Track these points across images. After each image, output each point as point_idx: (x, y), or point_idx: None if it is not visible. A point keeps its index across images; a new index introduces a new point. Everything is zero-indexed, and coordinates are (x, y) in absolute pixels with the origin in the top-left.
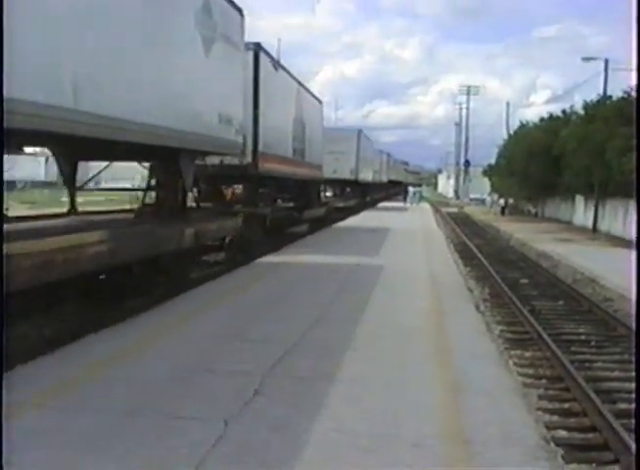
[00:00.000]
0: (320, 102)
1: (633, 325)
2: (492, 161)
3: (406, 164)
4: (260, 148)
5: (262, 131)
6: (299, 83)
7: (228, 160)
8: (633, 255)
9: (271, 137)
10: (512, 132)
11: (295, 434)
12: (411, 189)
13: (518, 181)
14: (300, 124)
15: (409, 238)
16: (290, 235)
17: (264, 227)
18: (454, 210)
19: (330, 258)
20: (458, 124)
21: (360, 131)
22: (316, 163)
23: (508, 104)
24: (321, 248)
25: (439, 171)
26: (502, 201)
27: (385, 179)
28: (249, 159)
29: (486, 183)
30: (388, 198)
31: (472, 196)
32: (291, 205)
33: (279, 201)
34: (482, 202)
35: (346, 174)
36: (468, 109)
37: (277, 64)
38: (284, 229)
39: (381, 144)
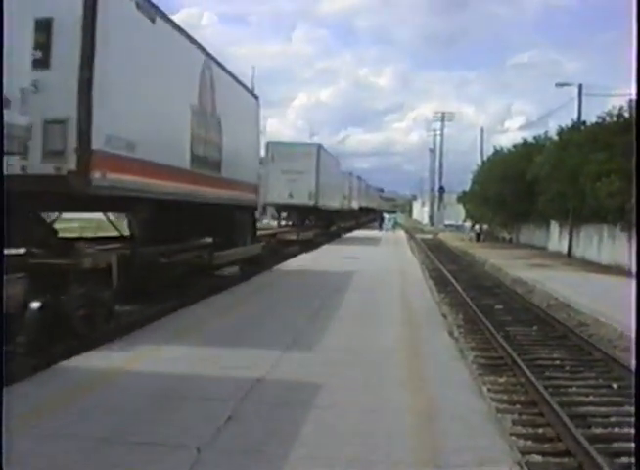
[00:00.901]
0: (256, 98)
1: (612, 351)
2: (467, 187)
3: (381, 190)
4: (98, 144)
5: (103, 112)
6: (213, 59)
7: (36, 166)
8: (612, 277)
9: (129, 126)
10: (486, 158)
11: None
12: (386, 216)
13: (492, 207)
14: (211, 120)
15: (378, 301)
16: (196, 287)
17: (114, 286)
18: (429, 236)
19: (215, 366)
20: (433, 151)
21: (320, 146)
22: (247, 181)
23: (482, 130)
24: (217, 330)
25: (414, 198)
26: (477, 227)
27: (356, 206)
28: (71, 164)
29: (461, 210)
30: (360, 226)
31: (447, 222)
32: (201, 241)
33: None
34: (457, 228)
35: (304, 199)
36: (442, 135)
37: (156, 10)
38: (186, 280)
39: (356, 171)
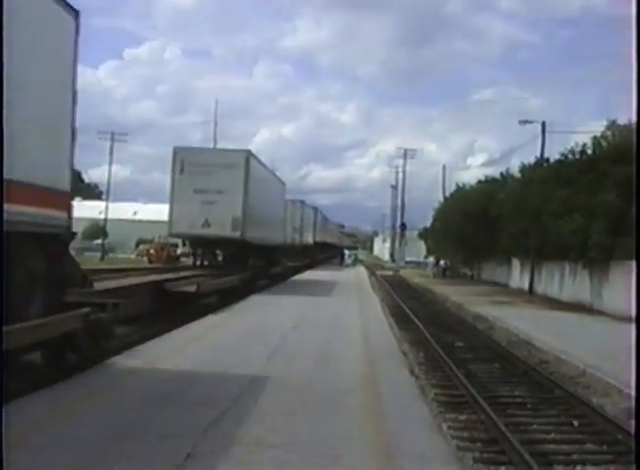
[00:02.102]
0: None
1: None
2: (428, 223)
3: (342, 226)
4: None
5: None
6: None
7: None
8: (585, 319)
9: None
10: (448, 195)
11: None
12: (347, 252)
13: (454, 244)
14: None
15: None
16: None
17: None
18: (390, 273)
19: None
20: (394, 187)
21: (249, 153)
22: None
23: (444, 167)
24: None
25: (376, 234)
26: (442, 262)
27: (310, 241)
28: None
29: (422, 246)
30: (315, 265)
31: (408, 259)
32: None
33: None
34: (418, 265)
35: (226, 230)
36: (404, 171)
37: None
38: None
39: (319, 207)
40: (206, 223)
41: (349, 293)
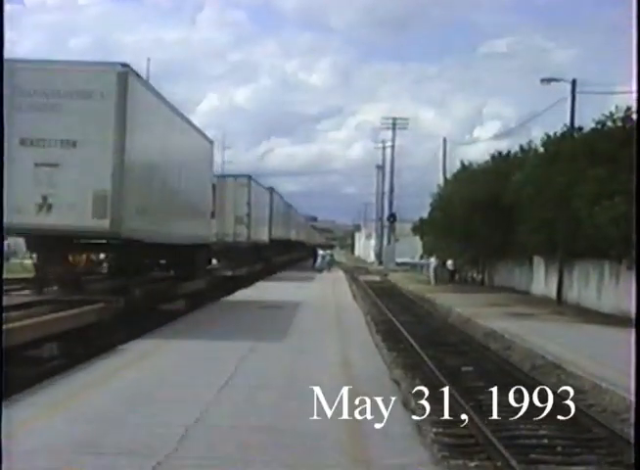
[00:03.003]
0: None
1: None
2: (425, 214)
3: (313, 219)
4: None
5: None
6: None
7: None
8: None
9: None
10: (450, 177)
11: None
12: (320, 252)
13: (458, 240)
14: None
15: None
16: None
17: None
18: (376, 278)
19: None
20: (381, 168)
21: (127, 69)
22: None
23: (445, 140)
24: None
25: (357, 229)
26: (449, 263)
27: (264, 237)
28: None
29: (418, 243)
30: (272, 272)
31: (399, 260)
32: None
33: None
34: (413, 267)
35: (81, 217)
36: (393, 147)
37: None
38: None
39: (284, 194)
40: (45, 205)
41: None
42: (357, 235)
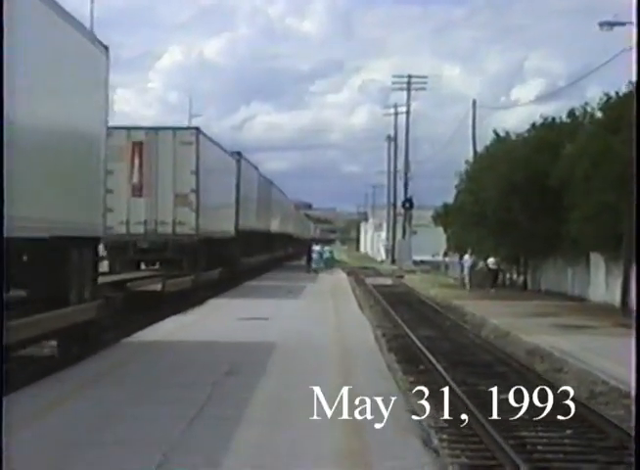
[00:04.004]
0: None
1: None
2: (450, 198)
3: (308, 206)
4: None
5: None
6: None
7: None
8: None
9: None
10: (482, 150)
11: None
12: (316, 248)
13: (492, 232)
14: None
15: None
16: None
17: None
18: (388, 281)
19: None
20: (392, 139)
21: None
22: None
23: (475, 104)
24: None
25: (363, 218)
26: (491, 261)
27: (227, 228)
28: None
29: (440, 236)
30: (239, 279)
31: (417, 258)
32: None
33: None
34: (436, 267)
35: None
36: (408, 113)
37: None
38: None
39: (268, 174)
40: None
41: None
42: (363, 226)
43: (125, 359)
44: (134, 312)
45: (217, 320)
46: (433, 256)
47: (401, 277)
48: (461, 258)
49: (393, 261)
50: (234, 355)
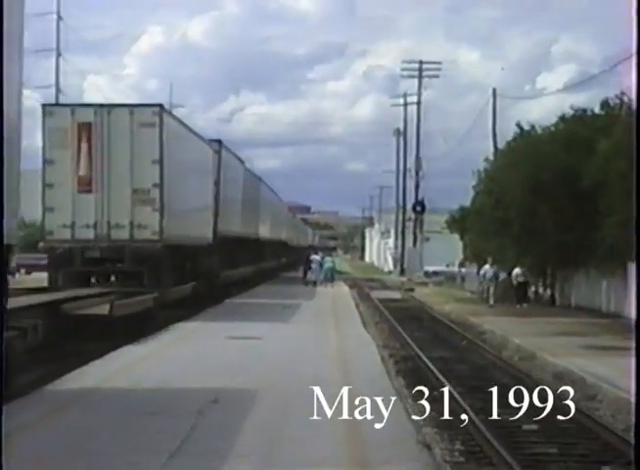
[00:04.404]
0: None
1: None
2: (467, 201)
3: (306, 209)
4: None
5: None
6: None
7: None
8: None
9: None
10: (504, 146)
11: None
12: (315, 257)
13: (515, 239)
14: None
15: None
16: None
17: None
18: (396, 295)
19: None
20: (401, 134)
21: None
22: None
23: (495, 93)
24: None
25: (369, 223)
26: (516, 273)
27: (204, 234)
28: None
29: (456, 244)
30: (222, 296)
31: (430, 268)
32: None
33: None
34: (451, 278)
35: None
36: (420, 104)
37: None
38: None
39: (261, 174)
40: None
41: None
42: (369, 232)
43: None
44: (70, 344)
45: (181, 353)
46: (447, 266)
47: (411, 290)
48: (480, 268)
49: (403, 273)
50: (194, 414)
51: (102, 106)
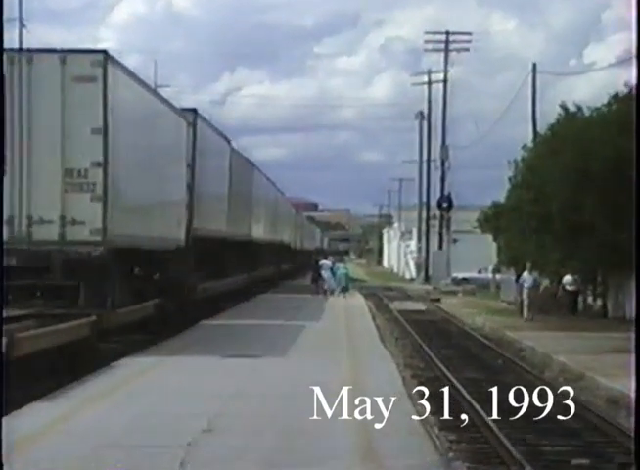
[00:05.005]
0: None
1: None
2: (501, 196)
3: (313, 207)
4: None
5: None
6: None
7: None
8: None
9: None
10: (546, 131)
11: None
12: (326, 262)
13: (559, 240)
14: None
15: None
16: None
17: None
18: (419, 305)
19: None
20: (424, 118)
21: None
22: None
23: (535, 68)
24: None
25: (387, 222)
26: (568, 280)
27: (174, 234)
28: None
29: (489, 246)
30: (201, 316)
31: (459, 275)
32: None
33: None
34: (483, 286)
35: None
36: (446, 82)
37: None
38: None
39: (260, 165)
40: None
41: None
42: (387, 233)
43: None
44: None
45: (102, 424)
46: (479, 272)
47: (437, 301)
48: (519, 275)
49: (427, 280)
50: None
51: (21, 51)
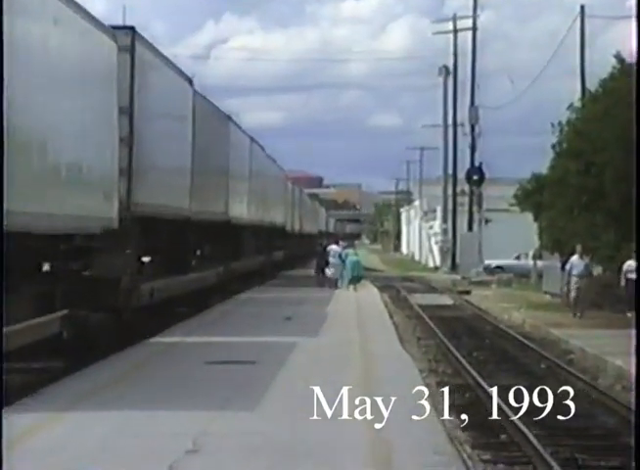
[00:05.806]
0: None
1: None
2: (542, 167)
3: (317, 181)
4: None
5: None
6: None
7: None
8: None
9: None
10: (597, 88)
11: None
12: (334, 249)
13: (613, 218)
14: None
15: None
16: None
17: None
18: (445, 299)
19: None
20: (449, 73)
21: None
22: None
23: (583, 11)
24: None
25: (406, 200)
26: (630, 264)
27: (105, 212)
28: None
29: (529, 227)
30: (147, 334)
31: (492, 262)
32: None
33: None
34: (525, 274)
35: None
36: (475, 30)
37: None
38: None
39: (252, 133)
40: None
41: None
42: (406, 213)
43: None
44: None
45: None
46: (517, 258)
47: (467, 293)
48: (565, 261)
49: (454, 269)
50: None
51: None
